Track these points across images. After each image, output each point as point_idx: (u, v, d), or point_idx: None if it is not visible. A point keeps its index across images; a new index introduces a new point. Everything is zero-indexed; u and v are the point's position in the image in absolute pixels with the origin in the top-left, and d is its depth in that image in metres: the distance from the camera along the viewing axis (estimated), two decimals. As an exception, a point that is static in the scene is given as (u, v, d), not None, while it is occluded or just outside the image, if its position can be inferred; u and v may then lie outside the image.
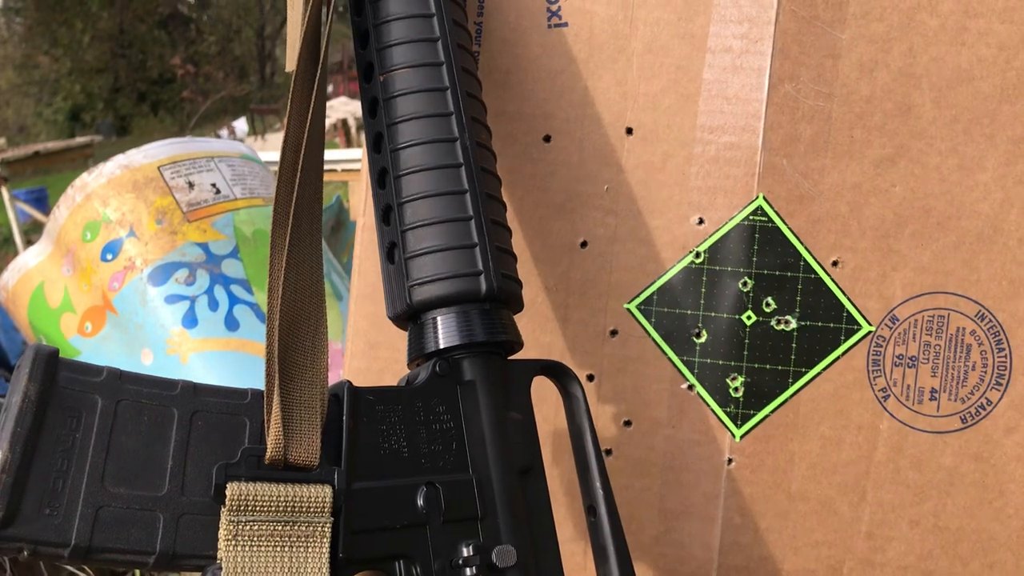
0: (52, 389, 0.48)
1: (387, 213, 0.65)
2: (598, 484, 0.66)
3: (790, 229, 0.77)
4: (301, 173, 0.59)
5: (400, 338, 0.67)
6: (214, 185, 1.35)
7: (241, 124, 10.14)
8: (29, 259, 1.41)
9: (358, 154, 3.45)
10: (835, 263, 0.77)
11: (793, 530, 0.79)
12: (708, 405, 0.79)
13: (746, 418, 0.79)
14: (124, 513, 0.48)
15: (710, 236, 0.78)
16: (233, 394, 0.54)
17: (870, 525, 0.78)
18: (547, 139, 0.80)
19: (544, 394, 0.72)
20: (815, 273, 0.77)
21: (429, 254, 0.63)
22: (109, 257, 1.31)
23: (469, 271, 0.62)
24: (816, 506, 0.78)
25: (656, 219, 0.79)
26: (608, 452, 0.81)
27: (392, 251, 0.64)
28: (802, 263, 0.77)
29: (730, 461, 0.79)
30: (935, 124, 0.75)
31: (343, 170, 3.83)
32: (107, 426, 0.49)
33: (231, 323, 1.28)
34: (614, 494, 0.66)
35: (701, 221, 0.78)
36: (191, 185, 1.34)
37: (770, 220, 0.77)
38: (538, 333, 0.81)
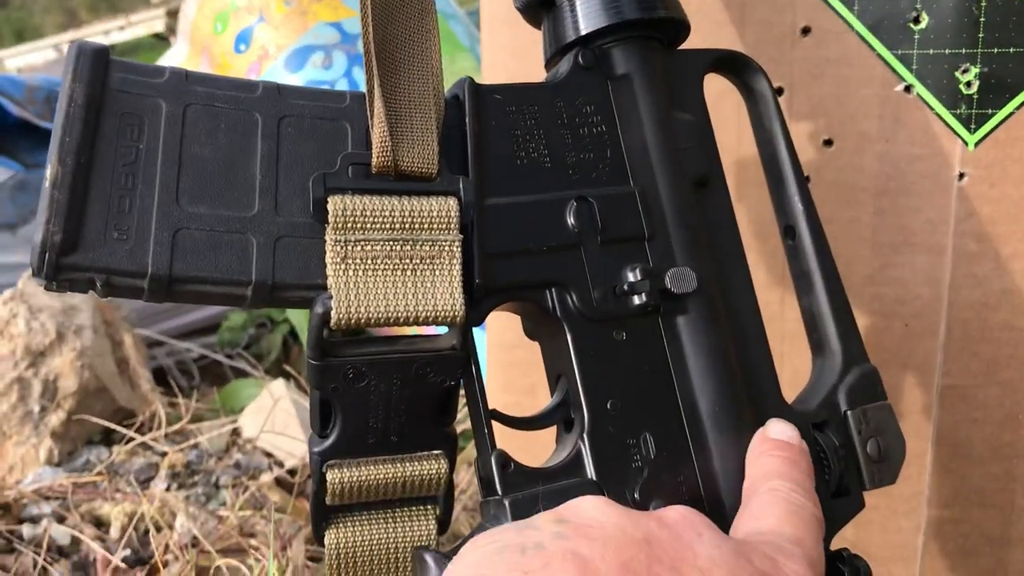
0: (104, 92, 0.40)
1: None
2: (796, 199, 0.53)
3: None
4: None
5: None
6: (341, -43, 1.24)
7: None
8: (168, 64, 1.36)
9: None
10: None
11: (1047, 255, 0.63)
12: (932, 108, 0.63)
13: (982, 120, 0.62)
14: (208, 236, 0.40)
15: None
16: (328, 96, 0.44)
17: None
18: None
19: (720, 118, 0.57)
20: (1079, -86, 0.58)
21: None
22: (242, 48, 1.24)
23: None
24: (1078, 223, 0.62)
25: None
26: (807, 179, 0.67)
27: (517, -78, 0.51)
28: (1061, -97, 0.58)
29: (962, 176, 0.63)
30: None
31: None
32: (176, 135, 0.40)
33: (374, 106, 1.19)
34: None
35: None
36: (316, -41, 1.22)
37: None
38: (709, 42, 0.66)
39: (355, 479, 0.44)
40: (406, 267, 0.41)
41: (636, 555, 0.33)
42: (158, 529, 0.84)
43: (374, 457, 0.44)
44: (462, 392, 0.45)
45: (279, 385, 1.10)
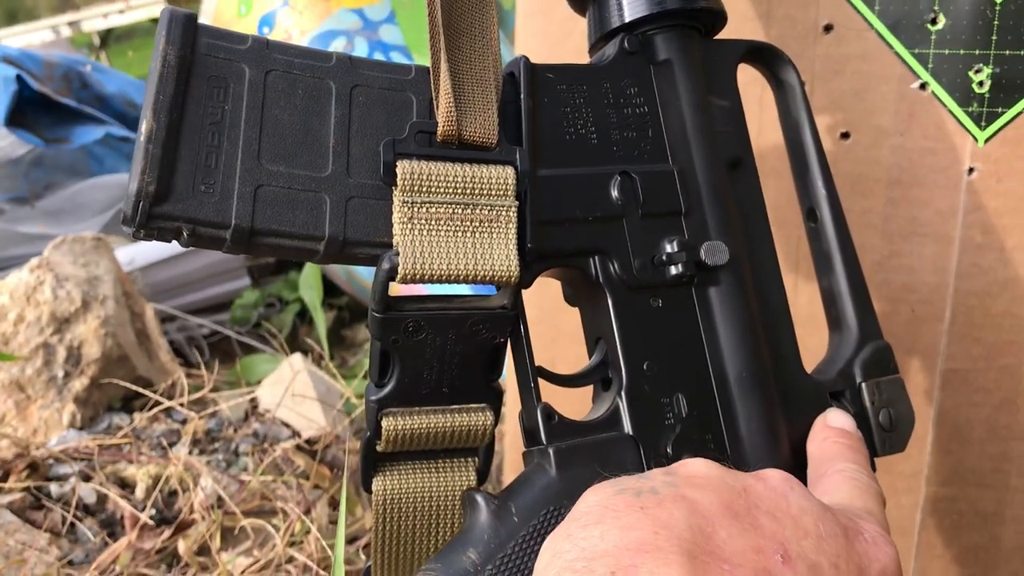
0: (193, 55, 0.42)
1: None
2: (820, 183, 0.57)
3: None
4: None
5: (577, 55, 0.58)
6: (364, -55, 1.26)
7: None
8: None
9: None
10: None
11: (1049, 247, 0.67)
12: (945, 105, 0.67)
13: (992, 118, 0.66)
14: (286, 193, 0.43)
15: None
16: (395, 69, 0.47)
17: None
18: None
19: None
20: (1091, -74, 0.62)
21: (610, -93, 0.52)
22: (265, 30, 1.26)
23: None
24: (1080, 218, 0.66)
25: None
26: (823, 169, 0.70)
27: (565, -88, 0.54)
28: (1074, -86, 0.62)
29: (971, 171, 0.67)
30: None
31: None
32: (258, 98, 0.43)
33: (394, 92, 1.22)
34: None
35: None
36: (340, -54, 1.25)
37: None
38: (735, 34, 0.70)
39: (409, 427, 0.47)
40: (466, 229, 0.45)
41: (736, 500, 0.37)
42: (183, 490, 0.87)
43: (426, 407, 0.48)
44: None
45: (297, 358, 1.13)
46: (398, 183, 0.44)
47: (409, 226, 0.44)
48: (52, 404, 1.02)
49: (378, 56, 1.23)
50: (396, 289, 0.44)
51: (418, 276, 0.43)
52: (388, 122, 0.45)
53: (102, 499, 0.88)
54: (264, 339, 1.49)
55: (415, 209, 0.44)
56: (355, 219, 0.44)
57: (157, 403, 0.99)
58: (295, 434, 1.04)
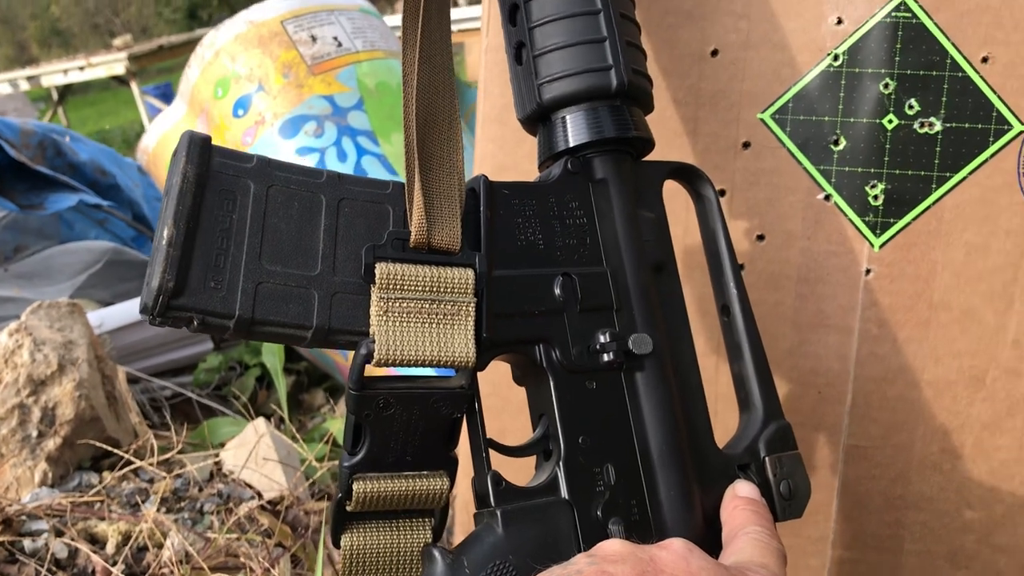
0: (208, 172, 0.51)
1: (513, 12, 0.64)
2: (732, 284, 0.66)
3: (936, 24, 0.73)
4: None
5: (528, 159, 0.68)
6: (336, 38, 1.36)
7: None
8: (166, 122, 1.47)
9: (472, 12, 3.40)
10: (984, 59, 0.73)
11: (934, 340, 0.77)
12: (845, 215, 0.77)
13: (886, 227, 0.77)
14: (282, 289, 0.51)
15: (849, 36, 0.75)
16: (376, 184, 0.56)
17: (1017, 333, 0.76)
18: (674, -57, 0.77)
19: (672, 212, 0.70)
20: (962, 71, 0.73)
21: (557, 50, 0.62)
22: (240, 112, 1.35)
23: (598, 66, 0.61)
24: (959, 315, 0.76)
25: (791, 21, 0.76)
26: (741, 267, 0.80)
27: (520, 51, 0.64)
28: (948, 61, 0.73)
29: (868, 271, 0.77)
30: None
31: (458, 30, 3.79)
32: (261, 209, 0.52)
33: (360, 174, 1.31)
34: (748, 304, 0.66)
35: (840, 21, 0.75)
36: (314, 39, 1.35)
37: (914, 16, 0.73)
38: (666, 149, 0.80)
39: (376, 490, 0.55)
40: (432, 321, 0.53)
41: (647, 568, 0.46)
42: (152, 547, 0.93)
43: (392, 473, 0.55)
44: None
45: (261, 423, 1.20)
46: (376, 282, 0.52)
47: (385, 318, 0.52)
48: (25, 462, 1.07)
49: (347, 140, 1.32)
50: (370, 370, 0.52)
51: (391, 360, 0.52)
52: (369, 229, 0.54)
53: (74, 554, 0.93)
54: (224, 400, 1.55)
55: (390, 303, 0.52)
56: (339, 311, 0.52)
57: (128, 462, 1.05)
58: (257, 495, 1.10)
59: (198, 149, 0.51)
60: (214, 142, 0.52)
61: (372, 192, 0.55)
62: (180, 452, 1.13)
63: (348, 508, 0.55)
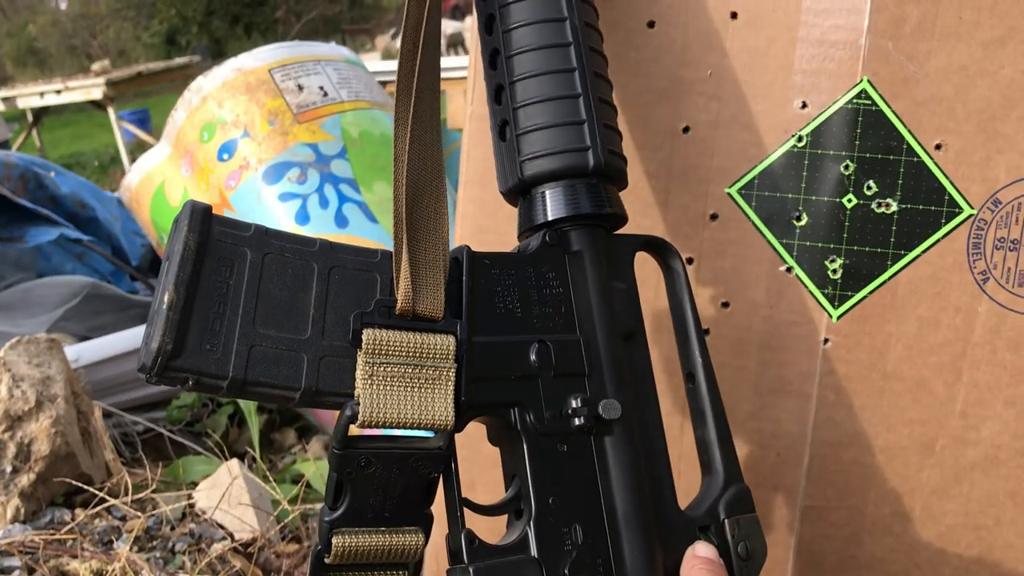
0: (208, 240, 0.54)
1: (499, 92, 0.68)
2: (697, 352, 0.70)
3: (894, 112, 0.78)
4: (422, 50, 0.63)
5: (506, 222, 0.71)
6: (322, 88, 1.40)
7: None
8: (150, 161, 1.49)
9: (455, 62, 3.46)
10: (938, 146, 0.77)
11: (887, 408, 0.81)
12: (806, 287, 0.81)
13: (844, 299, 0.81)
14: (273, 352, 0.54)
15: (813, 120, 0.79)
16: (364, 253, 0.59)
17: (964, 404, 0.80)
18: (651, 24, 0.82)
19: (643, 276, 0.75)
20: (918, 156, 0.78)
21: (539, 130, 0.66)
22: (225, 157, 1.38)
23: (577, 147, 0.66)
24: (911, 385, 0.80)
25: (759, 104, 0.80)
26: (706, 332, 0.84)
27: (504, 129, 0.68)
28: (905, 146, 0.78)
29: (826, 341, 0.81)
30: (1048, 2, 0.74)
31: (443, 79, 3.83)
32: (256, 276, 0.55)
33: (341, 220, 1.34)
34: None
35: (804, 105, 0.79)
36: (300, 88, 1.39)
37: (874, 103, 0.78)
38: (639, 218, 0.84)
39: (355, 544, 0.57)
40: (414, 384, 0.56)
41: None
42: (124, 586, 0.94)
43: (370, 528, 0.58)
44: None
45: (235, 464, 1.21)
46: (363, 347, 0.55)
47: (369, 381, 0.55)
48: (-2, 498, 1.08)
49: (329, 188, 1.35)
50: (353, 431, 0.55)
51: (374, 422, 0.55)
52: (357, 296, 0.57)
53: (45, 592, 0.94)
54: (195, 437, 1.56)
55: (375, 368, 0.55)
56: (326, 374, 0.55)
57: (102, 500, 1.06)
58: (229, 536, 1.11)
59: (199, 218, 0.54)
60: (198, 184, 0.55)
61: (361, 260, 0.58)
62: (154, 491, 1.15)
63: (327, 560, 0.58)
